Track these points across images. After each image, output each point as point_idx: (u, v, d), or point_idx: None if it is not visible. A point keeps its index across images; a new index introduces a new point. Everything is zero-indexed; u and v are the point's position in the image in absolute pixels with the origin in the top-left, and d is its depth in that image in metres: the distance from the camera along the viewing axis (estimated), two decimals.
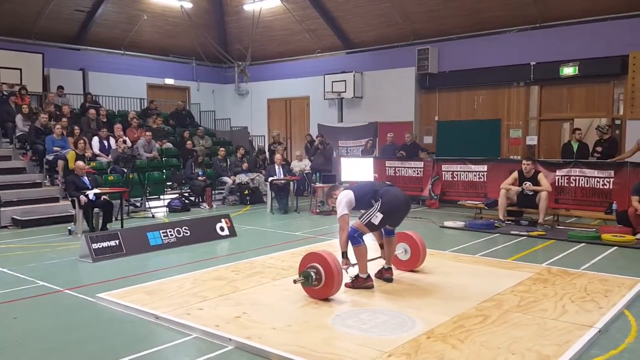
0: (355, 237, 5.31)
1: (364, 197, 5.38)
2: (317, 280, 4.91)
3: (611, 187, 9.35)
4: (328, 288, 4.90)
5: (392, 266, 5.68)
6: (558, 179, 9.87)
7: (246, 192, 12.68)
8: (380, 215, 5.22)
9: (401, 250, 5.97)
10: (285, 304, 4.88)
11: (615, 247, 7.48)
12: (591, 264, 6.54)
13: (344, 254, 5.24)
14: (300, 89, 17.23)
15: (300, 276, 5.02)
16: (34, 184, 10.81)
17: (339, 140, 15.69)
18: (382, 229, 5.52)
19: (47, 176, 11.23)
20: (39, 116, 11.86)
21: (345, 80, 15.42)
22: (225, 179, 12.80)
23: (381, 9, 14.50)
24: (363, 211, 5.39)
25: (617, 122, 12.17)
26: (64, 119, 11.89)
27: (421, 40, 14.50)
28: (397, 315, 4.52)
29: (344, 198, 5.37)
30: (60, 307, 5.03)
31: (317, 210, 11.31)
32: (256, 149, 15.40)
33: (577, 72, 12.16)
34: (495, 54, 13.30)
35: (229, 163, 13.20)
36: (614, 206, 8.92)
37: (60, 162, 10.65)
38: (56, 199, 10.45)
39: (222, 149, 13.58)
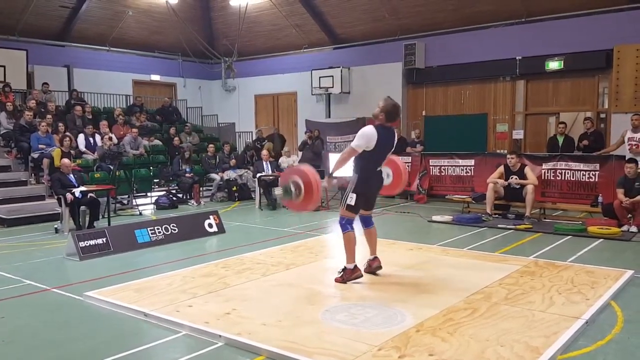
0: (343, 224, 5.35)
1: (369, 159, 5.20)
2: (297, 194, 4.95)
3: (597, 180, 9.46)
4: (306, 201, 4.96)
5: (378, 256, 5.70)
6: (544, 172, 9.97)
7: (234, 188, 12.64)
8: (353, 196, 5.26)
9: (384, 175, 5.98)
10: (275, 299, 4.88)
11: (601, 239, 7.56)
12: (577, 256, 6.61)
13: (331, 174, 5.25)
14: (287, 85, 17.18)
15: (280, 188, 5.12)
16: (20, 182, 10.69)
17: (327, 136, 15.67)
18: (361, 221, 5.59)
19: (33, 174, 11.10)
20: (24, 113, 11.71)
21: (332, 76, 15.40)
22: (213, 175, 12.75)
23: (368, 4, 14.49)
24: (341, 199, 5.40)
25: (602, 115, 12.29)
26: (49, 116, 11.77)
27: (408, 36, 14.52)
28: (386, 309, 4.54)
29: (368, 137, 5.07)
30: (47, 306, 4.99)
31: None
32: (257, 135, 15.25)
33: (562, 67, 12.25)
34: (481, 48, 13.36)
35: (217, 160, 13.16)
36: (600, 199, 9.03)
37: (46, 160, 10.54)
38: (42, 197, 10.35)
39: (211, 145, 13.52)
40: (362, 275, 5.37)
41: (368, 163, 5.28)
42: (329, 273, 5.64)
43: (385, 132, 5.22)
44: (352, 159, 5.24)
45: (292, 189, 4.92)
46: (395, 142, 5.42)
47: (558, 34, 12.28)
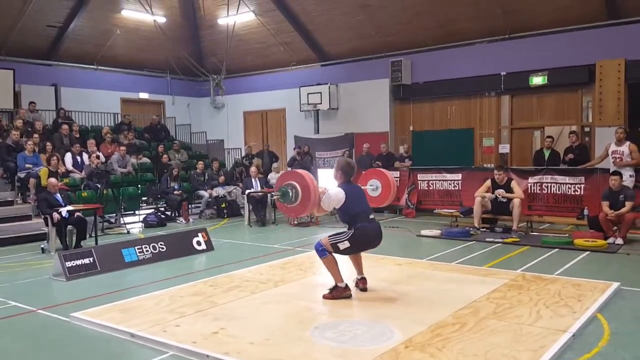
0: (320, 250, 5.35)
1: (348, 211, 5.35)
2: (294, 197, 4.97)
3: (582, 193, 9.57)
4: (304, 205, 5.00)
5: (365, 276, 5.71)
6: (530, 186, 10.06)
7: (223, 205, 12.62)
8: (347, 244, 5.28)
9: (373, 187, 6.03)
10: (264, 317, 4.87)
11: (588, 252, 7.63)
12: (564, 269, 6.66)
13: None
14: (276, 101, 17.25)
15: (278, 191, 5.08)
16: (6, 202, 10.57)
17: (316, 152, 15.74)
18: None
19: (19, 194, 11.01)
20: (10, 133, 11.65)
21: (320, 92, 15.49)
22: (202, 192, 12.72)
23: (354, 22, 14.65)
24: (333, 234, 5.44)
25: (587, 129, 12.46)
26: (36, 135, 11.71)
27: (394, 52, 14.66)
28: (375, 325, 4.54)
29: (335, 197, 5.28)
30: (33, 328, 4.93)
31: (295, 222, 11.30)
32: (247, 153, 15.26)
33: (546, 82, 12.42)
34: (466, 65, 13.52)
35: (206, 176, 13.14)
36: (586, 212, 9.13)
37: (32, 180, 10.47)
38: (29, 217, 10.24)
39: (200, 162, 13.51)
40: (351, 296, 5.37)
41: (356, 215, 5.34)
42: (318, 290, 5.64)
43: (349, 187, 5.44)
44: (343, 220, 5.44)
45: (290, 192, 4.93)
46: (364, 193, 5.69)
47: (541, 50, 12.47)
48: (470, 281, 6.03)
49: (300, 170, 5.19)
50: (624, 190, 8.31)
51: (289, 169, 14.24)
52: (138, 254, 7.50)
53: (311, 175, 5.10)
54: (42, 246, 8.70)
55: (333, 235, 5.40)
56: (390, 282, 6.00)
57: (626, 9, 11.55)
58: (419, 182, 11.90)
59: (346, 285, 5.39)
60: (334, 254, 5.37)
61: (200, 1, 16.10)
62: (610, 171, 8.83)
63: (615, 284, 5.64)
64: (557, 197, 9.84)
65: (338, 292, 5.35)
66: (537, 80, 12.51)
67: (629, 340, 4.22)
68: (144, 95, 17.61)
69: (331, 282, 5.44)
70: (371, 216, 5.45)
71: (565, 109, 12.70)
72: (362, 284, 5.63)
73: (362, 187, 5.92)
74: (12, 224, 9.82)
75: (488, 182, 9.60)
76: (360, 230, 5.31)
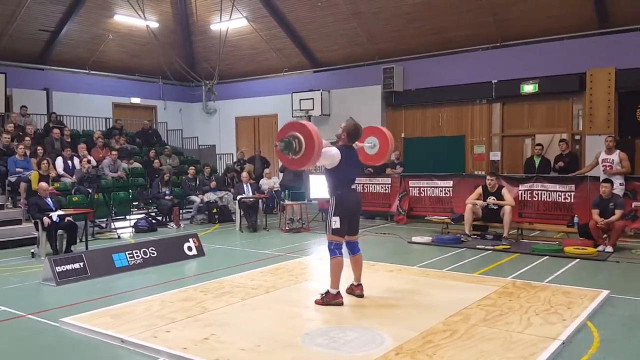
0: (332, 250, 5.39)
1: (336, 175, 5.42)
2: (298, 148, 4.94)
3: (572, 200, 9.63)
4: (308, 156, 4.96)
5: (362, 283, 5.72)
6: (521, 193, 10.11)
7: (214, 210, 12.59)
8: (336, 219, 5.36)
9: (370, 144, 6.04)
10: (255, 323, 4.86)
11: (578, 260, 7.67)
12: (554, 277, 6.69)
13: None
14: (268, 107, 17.28)
15: (280, 142, 5.00)
16: None
17: None
18: (348, 248, 5.60)
19: (10, 198, 10.93)
20: (1, 137, 11.57)
21: (312, 99, 15.52)
22: (193, 197, 12.69)
23: (347, 29, 14.72)
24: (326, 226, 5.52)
25: (577, 137, 12.56)
26: (27, 139, 11.65)
27: (386, 59, 14.74)
28: (366, 331, 4.54)
29: (331, 157, 5.33)
30: (22, 333, 4.89)
31: (287, 228, 11.29)
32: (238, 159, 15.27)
33: (537, 90, 12.53)
34: (458, 72, 13.60)
35: (198, 182, 13.11)
36: (576, 219, 9.19)
37: (23, 184, 10.40)
38: (19, 221, 10.17)
39: (192, 167, 13.48)
40: (342, 304, 5.36)
41: (340, 182, 5.45)
42: (309, 296, 5.64)
43: (348, 151, 5.51)
44: (326, 182, 5.53)
45: (294, 142, 4.91)
46: (358, 160, 5.78)
47: (532, 58, 12.59)
48: (460, 288, 6.04)
49: (304, 121, 5.17)
50: (614, 198, 8.38)
51: (281, 174, 14.25)
52: (129, 259, 7.46)
53: (313, 125, 5.09)
54: (32, 251, 8.64)
55: (325, 228, 5.52)
56: (382, 288, 6.01)
57: (617, 18, 11.71)
58: (410, 188, 11.93)
59: (338, 292, 5.39)
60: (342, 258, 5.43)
61: (193, 7, 16.14)
62: (601, 179, 8.89)
63: (605, 292, 5.67)
64: (547, 204, 9.90)
65: (329, 299, 5.35)
66: (528, 88, 12.62)
67: (618, 348, 4.25)
68: (135, 100, 17.57)
69: (322, 288, 5.44)
70: (353, 186, 5.60)
71: (555, 117, 12.81)
72: (358, 290, 5.63)
73: (360, 145, 5.90)
74: (2, 228, 9.74)
75: (479, 189, 9.66)
76: (340, 198, 5.41)
